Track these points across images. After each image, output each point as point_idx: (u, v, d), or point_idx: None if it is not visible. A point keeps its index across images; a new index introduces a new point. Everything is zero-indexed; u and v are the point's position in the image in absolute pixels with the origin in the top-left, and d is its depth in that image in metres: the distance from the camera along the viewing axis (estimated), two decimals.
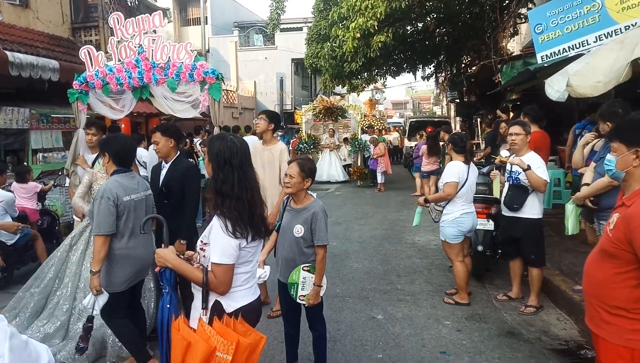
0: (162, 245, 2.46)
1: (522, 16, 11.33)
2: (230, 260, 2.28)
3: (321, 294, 3.51)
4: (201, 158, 9.44)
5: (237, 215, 2.28)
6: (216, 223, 2.31)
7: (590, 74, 4.68)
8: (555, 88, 5.38)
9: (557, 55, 7.09)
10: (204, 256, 2.38)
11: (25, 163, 8.80)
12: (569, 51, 6.93)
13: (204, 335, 2.21)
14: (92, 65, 5.23)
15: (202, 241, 2.40)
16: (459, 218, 4.97)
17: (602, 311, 2.30)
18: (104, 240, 3.39)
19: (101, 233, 3.37)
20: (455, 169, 4.98)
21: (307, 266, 3.45)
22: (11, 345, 1.21)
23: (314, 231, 3.41)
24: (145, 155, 7.22)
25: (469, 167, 5.00)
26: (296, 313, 3.67)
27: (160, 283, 2.45)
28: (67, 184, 5.55)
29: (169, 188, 4.24)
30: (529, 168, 4.64)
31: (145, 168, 6.63)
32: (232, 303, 2.36)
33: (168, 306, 2.37)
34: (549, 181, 4.77)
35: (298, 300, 3.48)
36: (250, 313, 2.43)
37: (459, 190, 4.93)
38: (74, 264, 4.34)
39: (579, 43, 6.86)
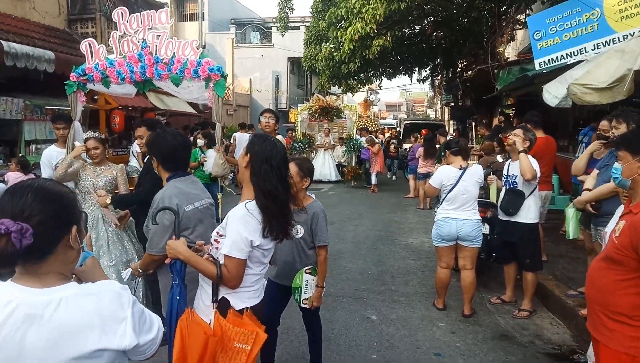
0: (174, 237, 2.43)
1: (519, 22, 11.41)
2: (241, 254, 2.23)
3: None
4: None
5: (277, 215, 2.28)
6: (234, 215, 2.27)
7: (593, 83, 4.71)
8: (554, 94, 5.41)
9: (556, 62, 7.15)
10: (217, 247, 2.33)
11: (21, 155, 8.69)
12: (567, 58, 7.00)
13: (217, 328, 2.19)
14: (92, 58, 5.20)
15: (217, 233, 2.35)
16: (440, 221, 4.88)
17: (604, 318, 2.32)
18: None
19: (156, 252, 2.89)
20: (439, 173, 4.92)
21: (308, 269, 3.43)
22: (133, 311, 1.36)
23: (315, 231, 3.40)
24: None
25: (463, 172, 4.77)
26: (277, 315, 3.59)
27: (170, 274, 2.41)
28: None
29: (139, 179, 4.38)
30: (524, 151, 4.67)
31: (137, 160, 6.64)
32: (238, 302, 2.33)
33: (178, 298, 2.34)
34: (539, 174, 4.74)
35: (302, 304, 3.43)
36: (256, 314, 2.40)
37: (447, 194, 4.82)
38: None
39: (577, 50, 6.93)
